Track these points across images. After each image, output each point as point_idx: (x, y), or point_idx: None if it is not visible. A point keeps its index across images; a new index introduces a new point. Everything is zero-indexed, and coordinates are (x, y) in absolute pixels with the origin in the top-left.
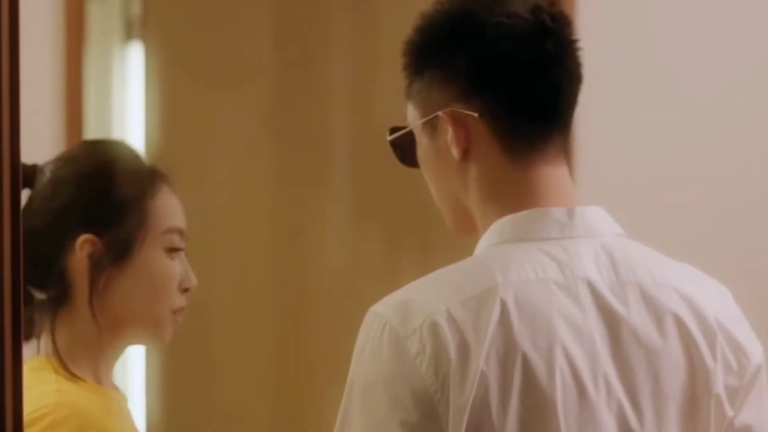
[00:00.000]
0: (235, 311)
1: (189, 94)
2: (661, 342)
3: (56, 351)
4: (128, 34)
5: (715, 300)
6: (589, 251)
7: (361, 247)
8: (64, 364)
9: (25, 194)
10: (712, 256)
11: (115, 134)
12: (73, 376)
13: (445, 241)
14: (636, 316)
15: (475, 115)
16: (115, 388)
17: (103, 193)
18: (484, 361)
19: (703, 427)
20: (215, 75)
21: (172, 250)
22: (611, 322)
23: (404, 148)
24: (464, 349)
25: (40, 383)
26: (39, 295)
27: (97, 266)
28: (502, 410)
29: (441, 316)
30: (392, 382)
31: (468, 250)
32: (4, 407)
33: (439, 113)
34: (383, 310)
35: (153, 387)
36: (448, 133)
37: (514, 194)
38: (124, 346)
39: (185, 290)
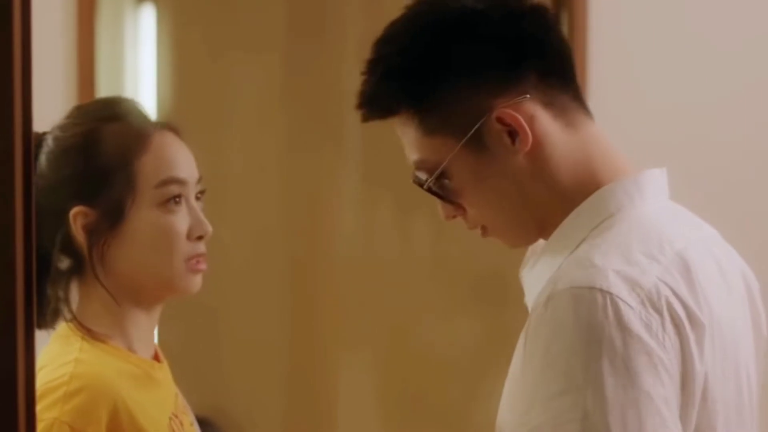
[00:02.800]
0: (247, 276)
1: (201, 58)
2: (730, 290)
3: (74, 318)
4: None
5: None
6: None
7: (373, 212)
8: (86, 327)
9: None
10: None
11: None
12: (97, 339)
13: None
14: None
15: (527, 96)
16: (155, 357)
17: (87, 163)
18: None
19: (761, 370)
20: (228, 38)
21: (168, 203)
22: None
23: (447, 188)
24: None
25: (64, 353)
26: (61, 265)
27: (92, 235)
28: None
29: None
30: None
31: None
32: (16, 384)
33: (490, 118)
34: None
35: (165, 350)
36: (503, 135)
37: (589, 158)
38: (154, 309)
39: (199, 238)
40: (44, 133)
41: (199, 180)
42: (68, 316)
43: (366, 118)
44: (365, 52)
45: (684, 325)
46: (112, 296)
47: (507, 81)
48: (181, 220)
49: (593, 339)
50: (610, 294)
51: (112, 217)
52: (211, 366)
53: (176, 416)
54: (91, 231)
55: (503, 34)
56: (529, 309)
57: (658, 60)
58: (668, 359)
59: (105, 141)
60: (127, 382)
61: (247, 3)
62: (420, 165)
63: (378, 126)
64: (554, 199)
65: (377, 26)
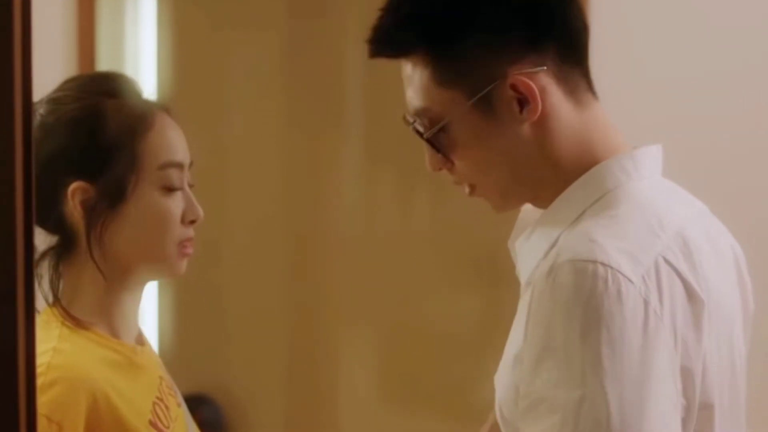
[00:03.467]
0: (249, 253)
1: (202, 37)
2: (723, 266)
3: (58, 300)
4: None
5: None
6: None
7: (373, 189)
8: (69, 313)
9: None
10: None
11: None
12: (80, 326)
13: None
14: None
15: (544, 68)
16: (139, 339)
17: (90, 138)
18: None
19: (746, 345)
20: (228, 17)
21: (168, 186)
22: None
23: (443, 141)
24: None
25: (42, 340)
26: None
27: (91, 213)
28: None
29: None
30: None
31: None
32: (17, 362)
33: (504, 82)
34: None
35: (165, 328)
36: (512, 102)
37: (590, 137)
38: (138, 291)
39: (191, 222)
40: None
41: (191, 165)
42: (51, 299)
43: (374, 54)
44: (366, 31)
45: (684, 301)
46: (104, 275)
47: (526, 50)
48: (177, 203)
49: (592, 311)
50: (611, 268)
51: (112, 195)
52: (212, 343)
53: (160, 400)
54: (89, 208)
55: (531, 4)
56: (522, 279)
57: (658, 37)
58: (665, 335)
59: (109, 116)
60: (107, 370)
61: None
62: (421, 113)
63: (379, 104)
64: (549, 172)
65: (378, 3)
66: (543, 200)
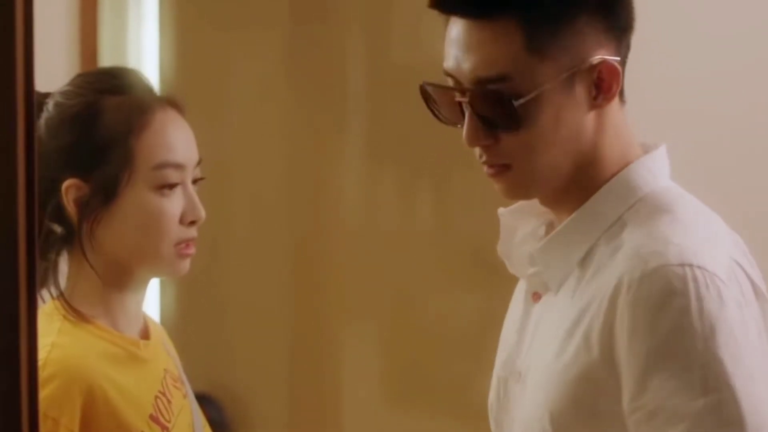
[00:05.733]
0: (251, 250)
1: (204, 34)
2: None
3: (61, 293)
4: None
5: None
6: None
7: (375, 188)
8: (71, 306)
9: None
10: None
11: None
12: (81, 320)
13: (458, 182)
14: None
15: (617, 59)
16: (144, 333)
17: (85, 136)
18: None
19: None
20: (231, 14)
21: (164, 186)
22: None
23: (510, 114)
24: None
25: (44, 334)
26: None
27: (84, 210)
28: None
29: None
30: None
31: (479, 192)
32: (19, 356)
33: (594, 63)
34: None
35: (166, 326)
36: (591, 85)
37: (625, 136)
38: (140, 287)
39: (191, 223)
40: (46, 95)
41: (199, 163)
42: (55, 292)
43: (452, 9)
44: (370, 29)
45: (753, 298)
46: (97, 273)
47: (614, 37)
48: (174, 203)
49: (702, 316)
50: (706, 270)
51: (104, 193)
52: (214, 341)
53: (163, 394)
54: (82, 205)
55: None
56: (553, 287)
57: (659, 37)
58: (760, 330)
59: (105, 114)
60: (107, 364)
61: None
62: (498, 79)
63: (381, 102)
64: (588, 166)
65: (379, 5)
66: (556, 198)
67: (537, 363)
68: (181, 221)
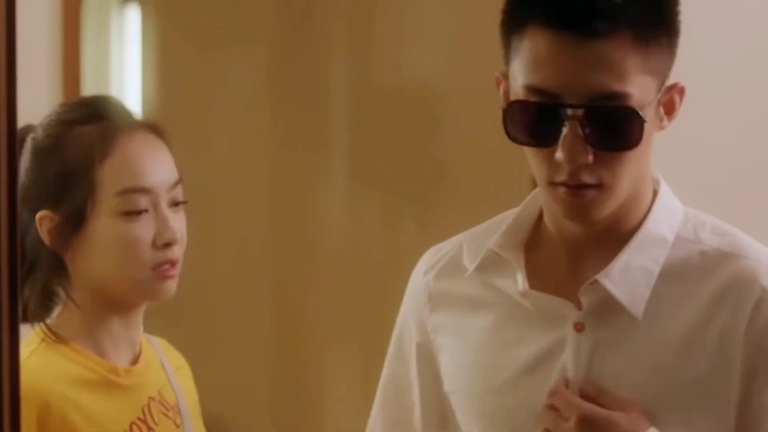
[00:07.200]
0: (234, 272)
1: (187, 56)
2: None
3: (41, 317)
4: None
5: None
6: None
7: (360, 210)
8: (49, 329)
9: None
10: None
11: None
12: (58, 342)
13: (444, 203)
14: None
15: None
16: (135, 360)
17: (53, 167)
18: None
19: None
20: (213, 35)
21: (131, 213)
22: None
23: (631, 131)
24: None
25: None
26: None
27: (57, 240)
28: None
29: None
30: None
31: (463, 215)
32: (1, 382)
33: (676, 83)
34: None
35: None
36: (663, 105)
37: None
38: (127, 311)
39: (166, 245)
40: (28, 129)
41: (176, 184)
42: (39, 319)
43: (577, 25)
44: (353, 45)
45: None
46: (72, 301)
47: (672, 60)
48: (144, 228)
49: None
50: None
51: (73, 223)
52: (195, 363)
53: (143, 421)
54: (55, 236)
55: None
56: (634, 308)
57: None
58: None
59: (70, 145)
60: (72, 386)
61: (232, 1)
62: (622, 96)
63: (366, 121)
64: (639, 183)
65: (365, 18)
66: (611, 219)
67: (624, 391)
68: (154, 244)
